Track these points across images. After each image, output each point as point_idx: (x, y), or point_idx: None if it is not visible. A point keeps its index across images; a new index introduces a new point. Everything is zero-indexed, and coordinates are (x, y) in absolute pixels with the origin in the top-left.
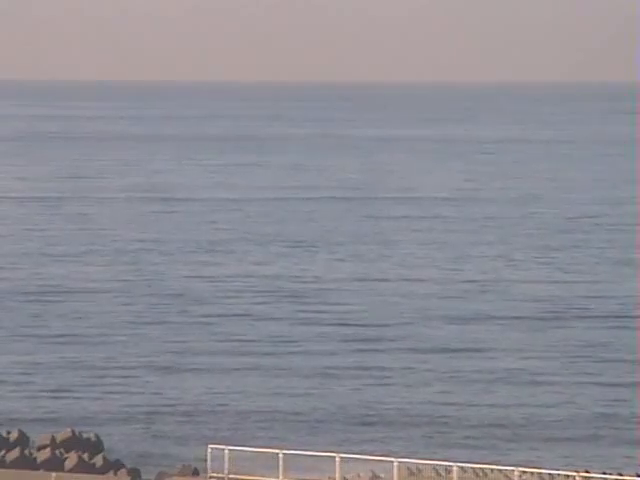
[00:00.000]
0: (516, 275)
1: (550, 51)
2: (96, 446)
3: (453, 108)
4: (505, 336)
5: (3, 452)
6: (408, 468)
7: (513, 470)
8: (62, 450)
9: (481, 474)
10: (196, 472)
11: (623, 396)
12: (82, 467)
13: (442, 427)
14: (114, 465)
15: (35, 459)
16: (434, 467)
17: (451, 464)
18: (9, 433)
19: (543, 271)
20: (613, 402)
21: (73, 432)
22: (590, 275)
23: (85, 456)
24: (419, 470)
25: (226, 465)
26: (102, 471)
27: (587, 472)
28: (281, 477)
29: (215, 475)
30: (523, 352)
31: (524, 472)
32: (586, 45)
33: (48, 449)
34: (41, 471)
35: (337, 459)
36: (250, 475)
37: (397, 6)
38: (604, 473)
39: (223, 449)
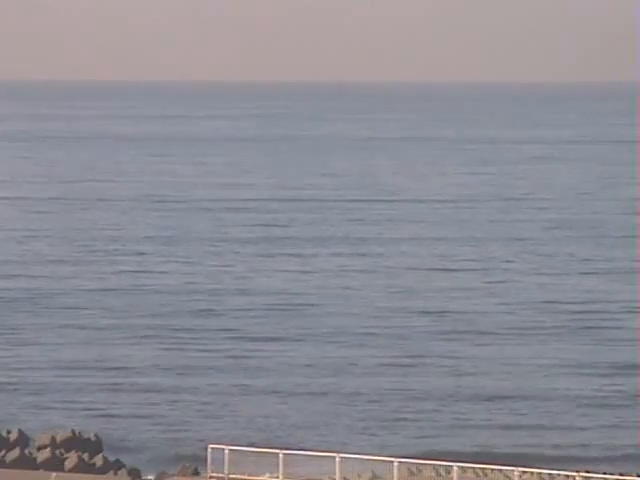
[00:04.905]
0: (520, 280)
1: (550, 51)
2: (96, 446)
3: (453, 108)
4: (503, 344)
5: (3, 452)
6: (408, 468)
7: (513, 470)
8: (62, 450)
9: (481, 474)
10: (196, 472)
11: (623, 398)
12: (82, 467)
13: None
14: (114, 465)
15: (35, 459)
16: (434, 467)
17: (451, 464)
18: (9, 433)
19: (545, 277)
20: (613, 403)
21: (73, 432)
22: (590, 282)
23: (85, 456)
24: (419, 470)
25: (226, 465)
26: (102, 471)
27: (587, 472)
28: (281, 477)
29: (215, 475)
30: (525, 360)
31: (524, 472)
32: (586, 45)
33: (48, 449)
34: (41, 471)
35: (337, 459)
36: (250, 475)
37: (398, 6)
38: (604, 473)
39: (223, 449)
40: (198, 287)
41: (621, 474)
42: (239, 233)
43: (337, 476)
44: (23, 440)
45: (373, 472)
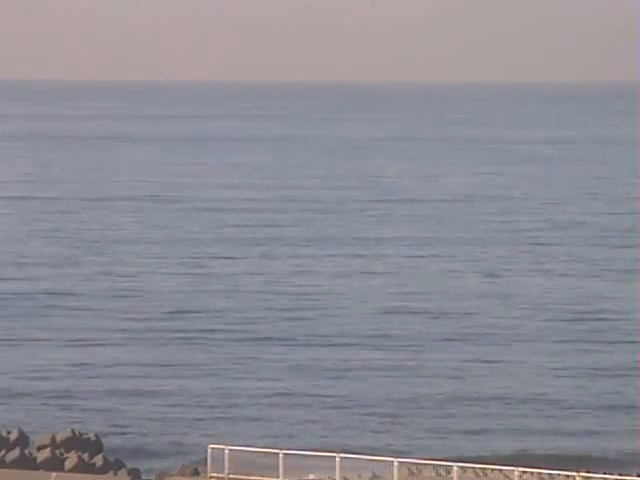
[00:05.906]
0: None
1: (550, 51)
2: (96, 446)
3: (453, 108)
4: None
5: (3, 452)
6: (408, 468)
7: (513, 470)
8: (62, 450)
9: (481, 474)
10: (196, 472)
11: (624, 399)
12: (82, 467)
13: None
14: (114, 465)
15: (35, 459)
16: (434, 467)
17: (451, 464)
18: (9, 433)
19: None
20: (614, 404)
21: (73, 432)
22: (591, 282)
23: (85, 456)
24: (419, 470)
25: (226, 465)
26: (102, 471)
27: (587, 472)
28: (281, 477)
29: (215, 475)
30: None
31: (524, 472)
32: (586, 45)
33: (48, 449)
34: (41, 471)
35: (337, 459)
36: (250, 475)
37: (398, 6)
38: (604, 473)
39: (223, 449)
40: (198, 287)
41: (621, 474)
42: (238, 233)
43: (337, 476)
44: (23, 440)
45: (373, 472)
